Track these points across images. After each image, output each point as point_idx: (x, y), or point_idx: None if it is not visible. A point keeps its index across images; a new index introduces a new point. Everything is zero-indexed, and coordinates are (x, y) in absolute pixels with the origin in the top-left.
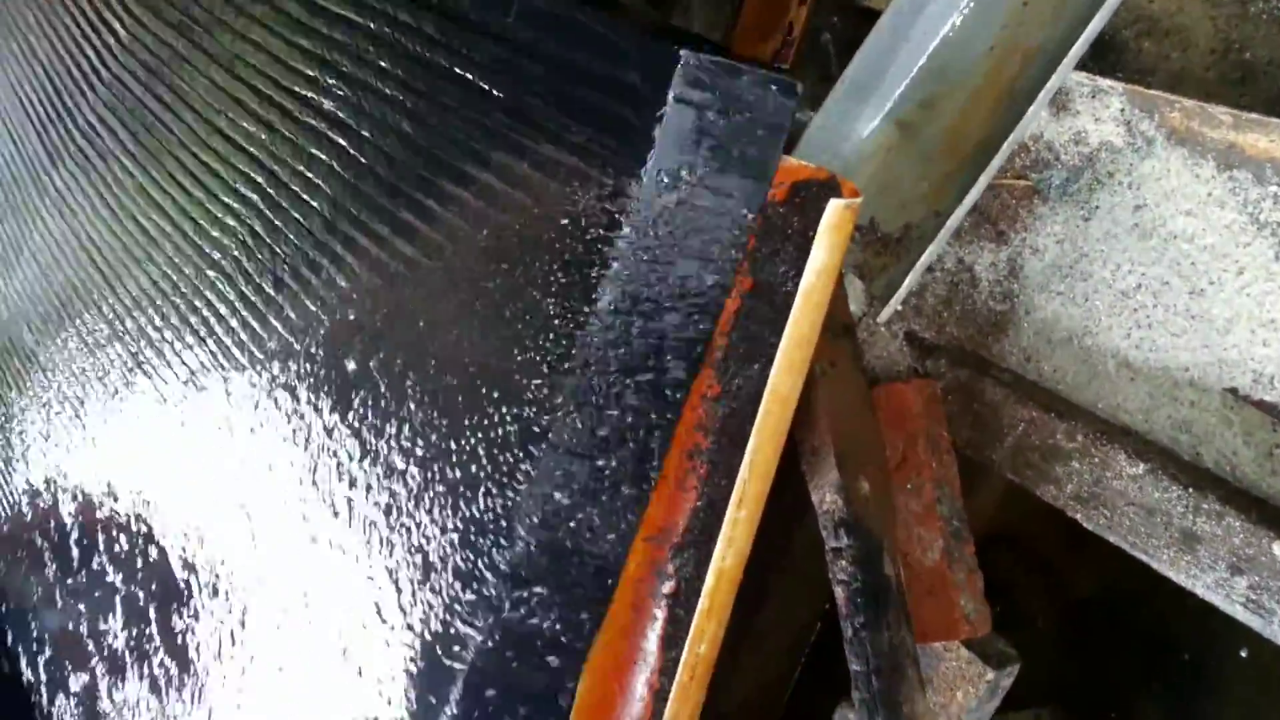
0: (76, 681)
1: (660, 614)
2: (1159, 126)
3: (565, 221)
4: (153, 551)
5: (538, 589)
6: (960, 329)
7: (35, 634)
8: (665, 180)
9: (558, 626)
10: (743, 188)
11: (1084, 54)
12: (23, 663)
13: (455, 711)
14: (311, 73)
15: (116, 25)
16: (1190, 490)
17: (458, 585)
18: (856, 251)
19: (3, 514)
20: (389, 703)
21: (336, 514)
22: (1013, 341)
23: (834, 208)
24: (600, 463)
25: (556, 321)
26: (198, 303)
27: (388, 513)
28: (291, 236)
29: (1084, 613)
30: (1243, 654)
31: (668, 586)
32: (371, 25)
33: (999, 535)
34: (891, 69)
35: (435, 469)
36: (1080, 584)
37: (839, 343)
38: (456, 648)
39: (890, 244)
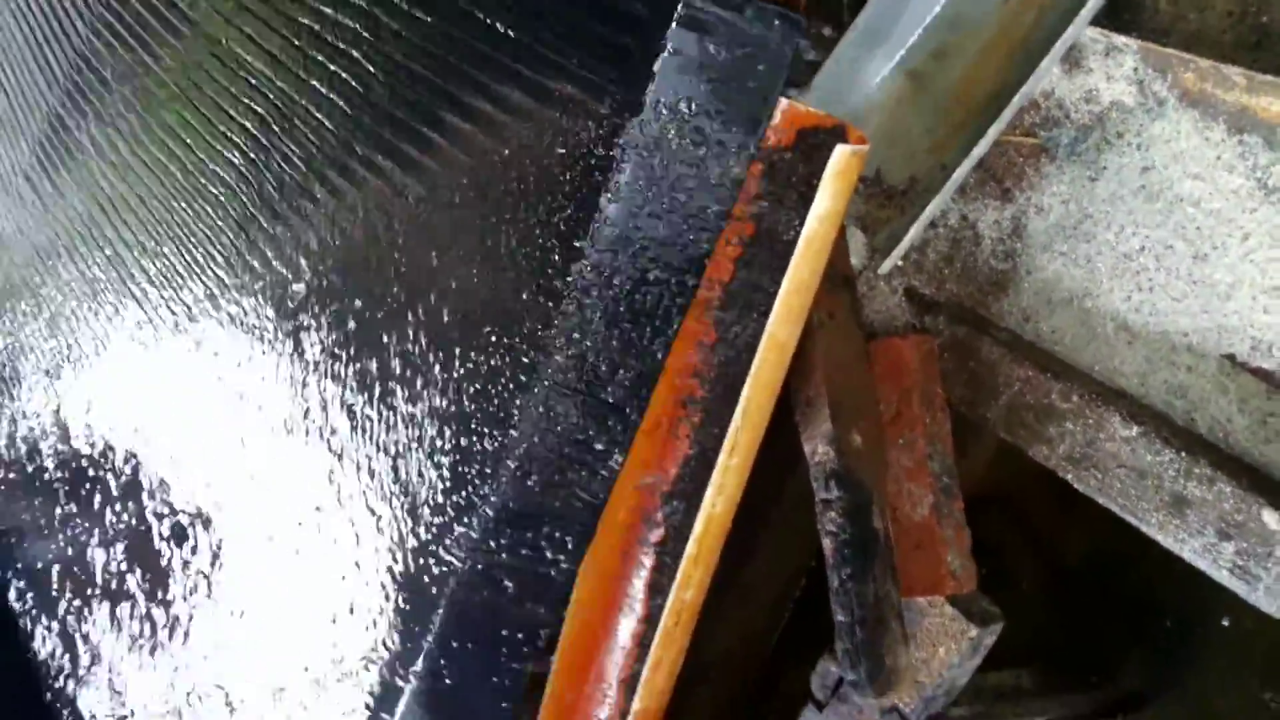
0: (65, 609)
1: (648, 561)
2: (1171, 87)
3: (563, 152)
4: (146, 479)
5: (522, 524)
6: (960, 286)
7: (23, 561)
8: (665, 112)
9: (541, 562)
10: (743, 122)
11: (1099, 9)
12: (11, 591)
13: (437, 641)
14: (314, 2)
15: None
16: (1183, 455)
17: (444, 517)
18: (860, 203)
19: (2, 443)
20: (374, 627)
21: (328, 443)
22: (1012, 301)
23: (840, 153)
24: (589, 398)
25: (551, 255)
26: (194, 233)
27: (378, 443)
28: (289, 167)
29: (1070, 575)
30: (1224, 622)
31: (656, 534)
32: None
33: (989, 496)
34: (905, 16)
35: (428, 400)
36: (1068, 547)
37: (838, 294)
38: (440, 578)
39: (895, 196)
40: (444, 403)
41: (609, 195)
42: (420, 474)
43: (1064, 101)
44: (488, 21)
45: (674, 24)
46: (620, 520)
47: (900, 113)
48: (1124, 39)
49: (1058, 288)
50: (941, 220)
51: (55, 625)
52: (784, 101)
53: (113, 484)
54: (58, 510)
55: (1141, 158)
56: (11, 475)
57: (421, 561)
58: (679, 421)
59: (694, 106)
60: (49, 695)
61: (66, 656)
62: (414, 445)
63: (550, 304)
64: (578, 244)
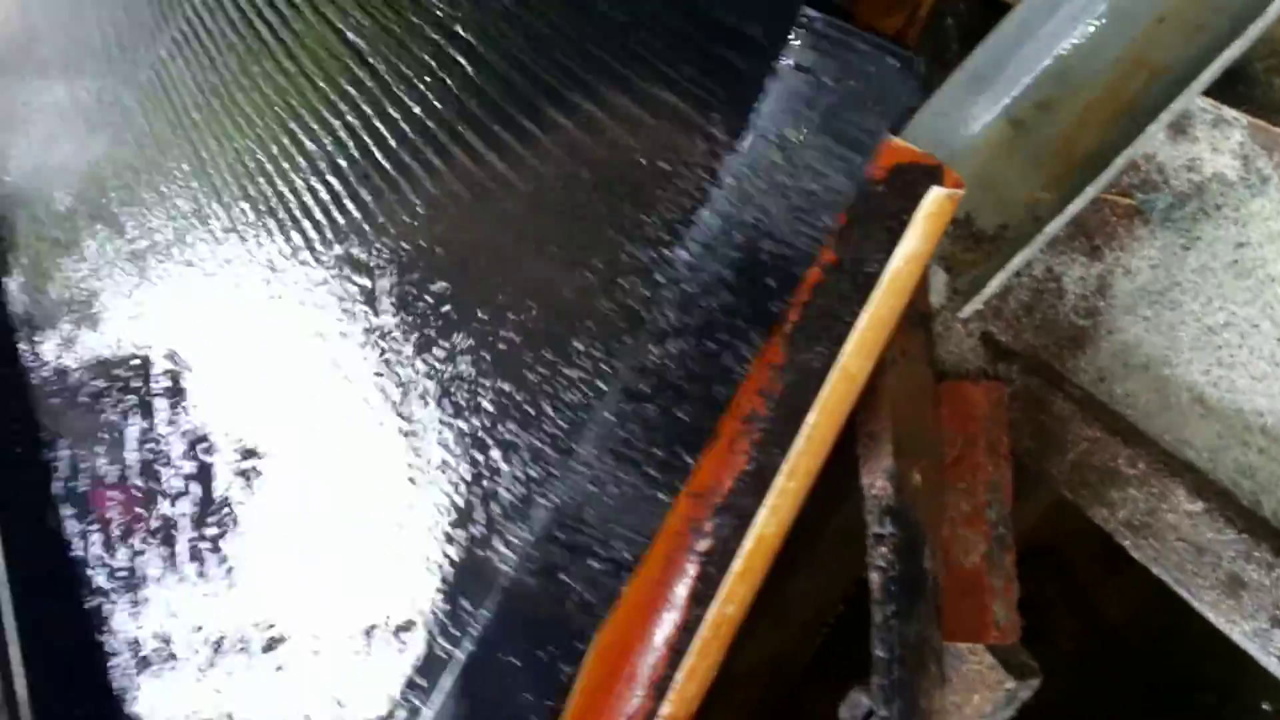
0: (115, 534)
1: (692, 569)
2: (1277, 167)
3: (662, 164)
4: (215, 423)
5: (580, 523)
6: (1038, 338)
7: (81, 489)
8: (770, 137)
9: (594, 562)
10: (845, 157)
11: (1213, 80)
12: (64, 514)
13: (485, 627)
14: None
15: None
16: (1244, 535)
17: (504, 506)
18: (946, 244)
19: (81, 364)
20: (428, 601)
21: (397, 414)
22: (1089, 359)
23: (935, 195)
24: (657, 410)
25: (640, 263)
26: (284, 189)
27: (448, 425)
28: (387, 137)
29: (1111, 637)
30: (1265, 706)
31: (704, 544)
32: None
33: (1037, 548)
34: (1013, 64)
35: (500, 391)
36: (1111, 608)
37: (914, 332)
38: (494, 565)
39: (983, 241)
40: (516, 397)
41: (704, 211)
42: (486, 464)
43: (1165, 167)
44: (602, 25)
45: (787, 51)
46: (670, 526)
47: (998, 159)
48: (1234, 112)
49: (1136, 352)
50: (1026, 269)
51: (102, 548)
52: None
53: (182, 419)
54: (122, 433)
55: (1237, 233)
56: (79, 397)
57: (479, 549)
58: (739, 436)
59: (799, 134)
60: (91, 613)
61: (109, 576)
62: (483, 434)
63: (633, 312)
64: (667, 255)
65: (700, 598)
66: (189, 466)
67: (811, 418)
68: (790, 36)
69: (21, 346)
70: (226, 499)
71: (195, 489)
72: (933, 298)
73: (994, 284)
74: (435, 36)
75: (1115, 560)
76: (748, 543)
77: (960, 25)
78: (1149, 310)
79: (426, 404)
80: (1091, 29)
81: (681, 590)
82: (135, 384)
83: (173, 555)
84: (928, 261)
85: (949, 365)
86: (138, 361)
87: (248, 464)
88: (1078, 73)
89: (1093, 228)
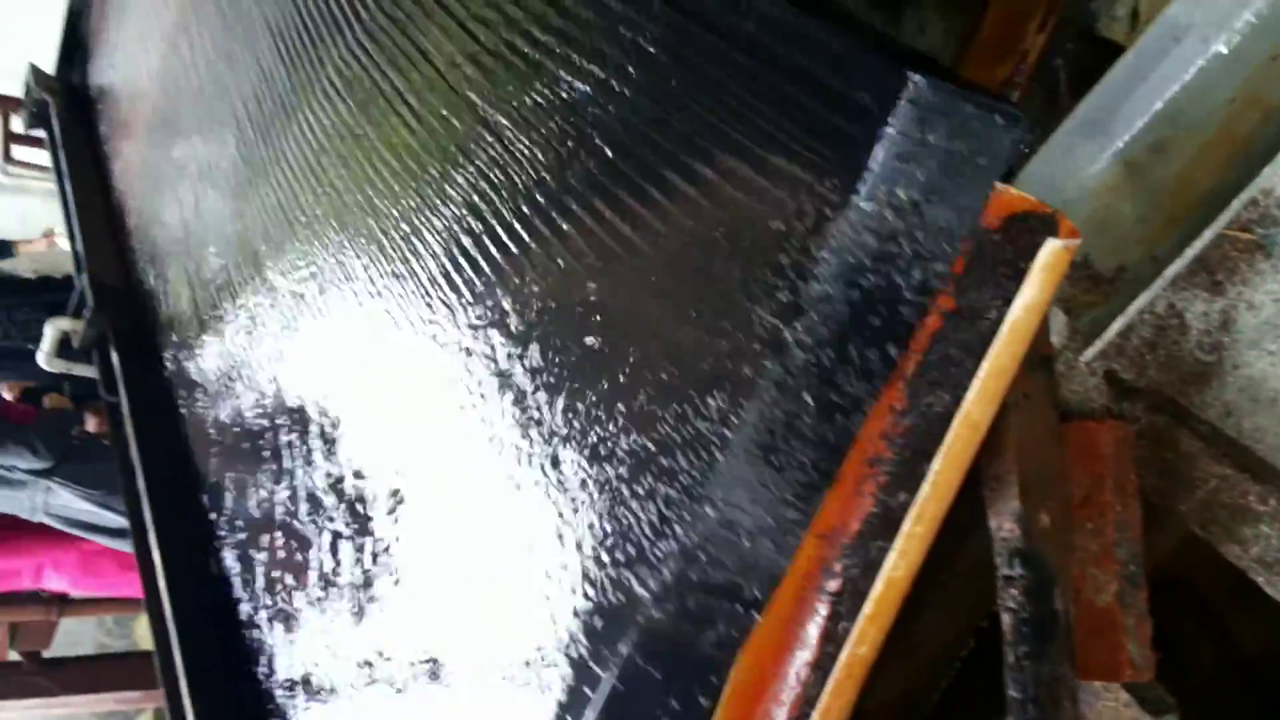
0: (275, 577)
1: (823, 609)
2: None
3: (777, 224)
4: (362, 467)
5: (714, 564)
6: (1162, 374)
7: (239, 533)
8: (879, 196)
9: (727, 602)
10: (955, 213)
11: None
12: (224, 558)
13: (624, 666)
14: (557, 48)
15: None
16: None
17: (641, 550)
18: (1065, 286)
19: (235, 413)
20: (566, 640)
21: (538, 463)
22: (1215, 394)
23: (1051, 248)
24: (784, 456)
25: (758, 320)
26: (424, 247)
27: (576, 471)
28: (512, 198)
29: (1248, 670)
30: None
31: (833, 584)
32: (615, 7)
33: (1171, 579)
34: (1125, 109)
35: (635, 439)
36: (1248, 641)
37: (1036, 374)
38: (632, 606)
39: (1101, 282)
40: (651, 447)
41: (820, 267)
42: (622, 510)
43: None
44: (716, 94)
45: (895, 114)
46: (799, 567)
47: (1113, 201)
48: None
49: (1263, 387)
50: (1148, 306)
51: (261, 589)
52: (997, 185)
53: (332, 464)
54: (276, 477)
55: None
56: (235, 444)
57: (617, 591)
58: (864, 479)
59: (909, 193)
60: (252, 650)
61: (268, 615)
62: (619, 482)
63: (758, 365)
64: (787, 310)
65: (832, 637)
66: (340, 509)
67: (936, 465)
68: (897, 100)
69: (179, 397)
70: (376, 539)
71: (346, 531)
72: (1053, 338)
73: (1116, 327)
74: (561, 108)
75: (1251, 592)
76: (878, 586)
77: (1069, 65)
78: (1274, 345)
79: (565, 453)
80: (1203, 70)
81: (814, 629)
82: (288, 431)
83: (327, 593)
84: (1046, 309)
85: (1073, 405)
86: (289, 409)
87: (395, 507)
88: (1190, 114)
89: (1213, 263)
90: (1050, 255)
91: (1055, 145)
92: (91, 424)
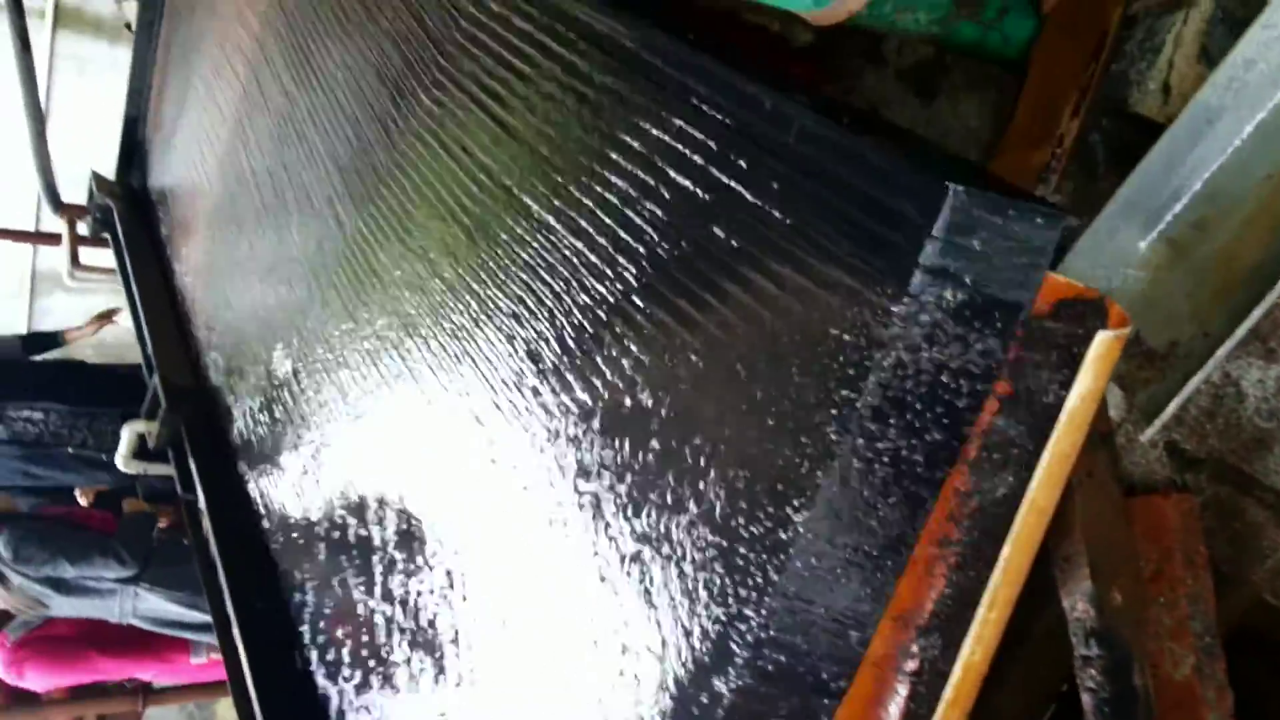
0: (358, 673)
1: (903, 690)
2: None
3: (832, 330)
4: (439, 552)
5: (791, 651)
6: (1223, 443)
7: (320, 623)
8: (928, 299)
9: (807, 687)
10: (1003, 311)
11: None
12: (307, 649)
13: None
14: (605, 170)
15: (438, 70)
16: None
17: (718, 638)
18: (1120, 363)
19: (310, 506)
20: None
21: (614, 555)
22: (1277, 460)
23: (1103, 339)
24: (854, 544)
25: (818, 420)
26: (482, 345)
27: (656, 562)
28: (572, 311)
29: None
30: None
31: (911, 665)
32: (662, 134)
33: (1249, 637)
34: (1165, 190)
35: (707, 536)
36: None
37: (1096, 452)
38: (712, 691)
39: (1155, 359)
40: (724, 542)
41: (877, 369)
42: (700, 599)
43: None
44: (766, 207)
45: (939, 221)
46: (875, 650)
47: (1160, 279)
48: None
49: None
50: (1205, 377)
51: (343, 675)
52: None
53: (393, 547)
54: (333, 561)
55: None
56: (312, 538)
57: (697, 678)
58: (935, 561)
59: (956, 295)
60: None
61: (354, 706)
62: (693, 571)
63: (822, 459)
64: (845, 409)
65: (913, 716)
66: (418, 594)
67: (1005, 551)
68: (939, 210)
69: (254, 491)
70: (452, 623)
71: (425, 613)
72: (1111, 412)
73: (1174, 405)
74: (617, 220)
75: None
76: (956, 671)
77: (1106, 140)
78: None
79: (642, 551)
80: (1238, 150)
81: (895, 710)
82: (365, 523)
83: (412, 685)
84: (1103, 395)
85: (1136, 478)
86: (365, 501)
87: (473, 589)
88: (1229, 192)
89: (1265, 331)
90: (1103, 345)
91: (1099, 228)
92: (166, 521)
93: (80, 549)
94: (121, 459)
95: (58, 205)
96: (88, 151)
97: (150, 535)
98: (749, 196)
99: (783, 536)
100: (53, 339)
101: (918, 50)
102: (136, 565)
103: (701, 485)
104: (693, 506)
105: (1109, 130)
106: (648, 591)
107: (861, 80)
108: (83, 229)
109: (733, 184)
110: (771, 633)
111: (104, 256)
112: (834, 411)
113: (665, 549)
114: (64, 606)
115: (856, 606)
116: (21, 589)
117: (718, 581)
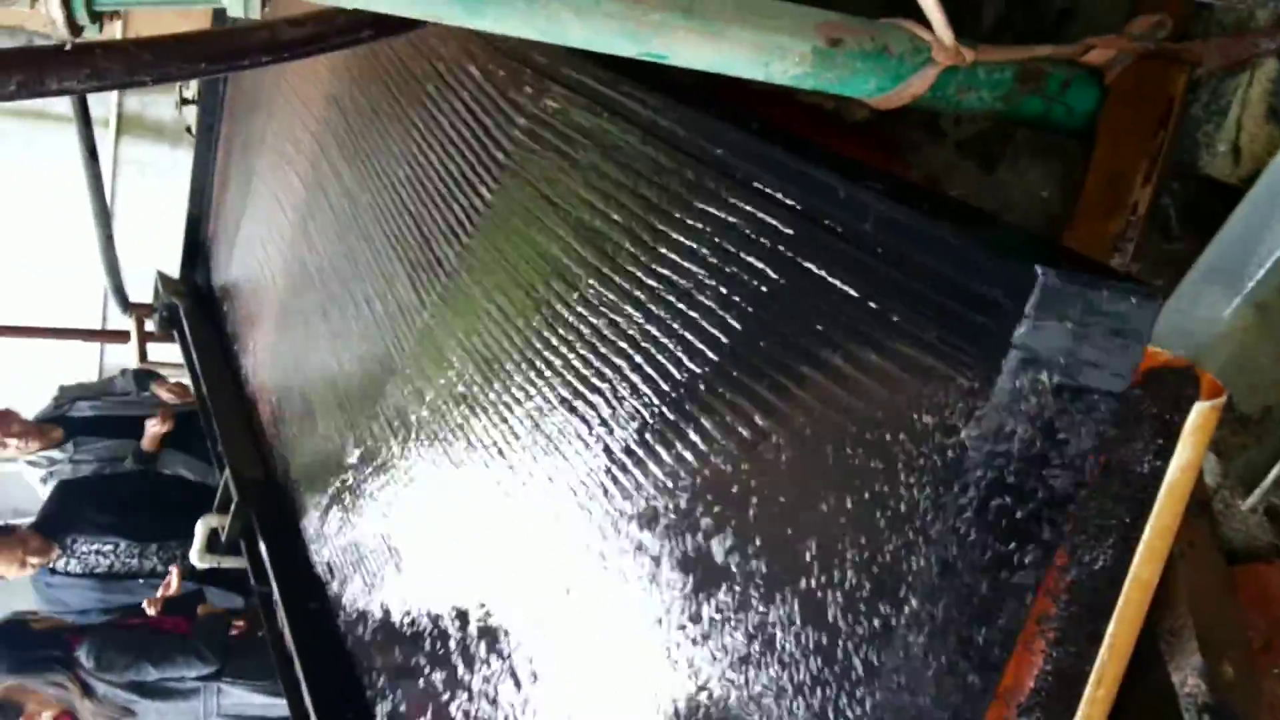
0: None
1: None
2: None
3: (923, 417)
4: (516, 638)
5: None
6: None
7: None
8: (1022, 385)
9: None
10: (1101, 392)
11: None
12: None
13: None
14: (677, 256)
15: (490, 180)
16: None
17: None
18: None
19: (376, 594)
20: None
21: (691, 652)
22: None
23: (1200, 410)
24: (955, 633)
25: (909, 507)
26: (543, 432)
27: (738, 666)
28: (652, 400)
29: None
30: None
31: None
32: (734, 220)
33: None
34: (1248, 256)
35: (798, 630)
36: None
37: (1196, 521)
38: None
39: (1249, 424)
40: (815, 636)
41: (968, 453)
42: (794, 698)
43: None
44: (850, 293)
45: (1029, 304)
46: None
47: (1249, 344)
48: None
49: None
50: None
51: None
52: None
53: (470, 640)
54: (410, 654)
55: None
56: (390, 636)
57: None
58: (1034, 638)
59: (1051, 378)
60: None
61: None
62: (781, 671)
63: (906, 554)
64: (940, 495)
65: None
66: (496, 683)
67: (1112, 627)
68: (1029, 294)
69: (327, 581)
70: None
71: (504, 700)
72: (1207, 479)
73: (1276, 471)
74: (682, 306)
75: None
76: None
77: (1177, 202)
78: None
79: (718, 644)
80: None
81: None
82: (440, 629)
83: None
84: (1200, 467)
85: (1237, 545)
86: (439, 593)
87: (555, 687)
88: None
89: None
90: (1200, 416)
91: (1183, 294)
92: (241, 626)
93: (161, 651)
94: (196, 554)
95: (126, 305)
96: (151, 252)
97: (226, 633)
98: (828, 282)
99: (881, 628)
100: (149, 379)
101: (977, 122)
102: (217, 661)
103: (797, 577)
104: (788, 600)
105: (1179, 192)
106: (748, 685)
107: (919, 154)
108: (150, 326)
109: (811, 269)
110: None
111: (171, 351)
112: (929, 498)
113: (764, 643)
114: (150, 712)
115: (967, 690)
116: (108, 698)
117: (825, 678)
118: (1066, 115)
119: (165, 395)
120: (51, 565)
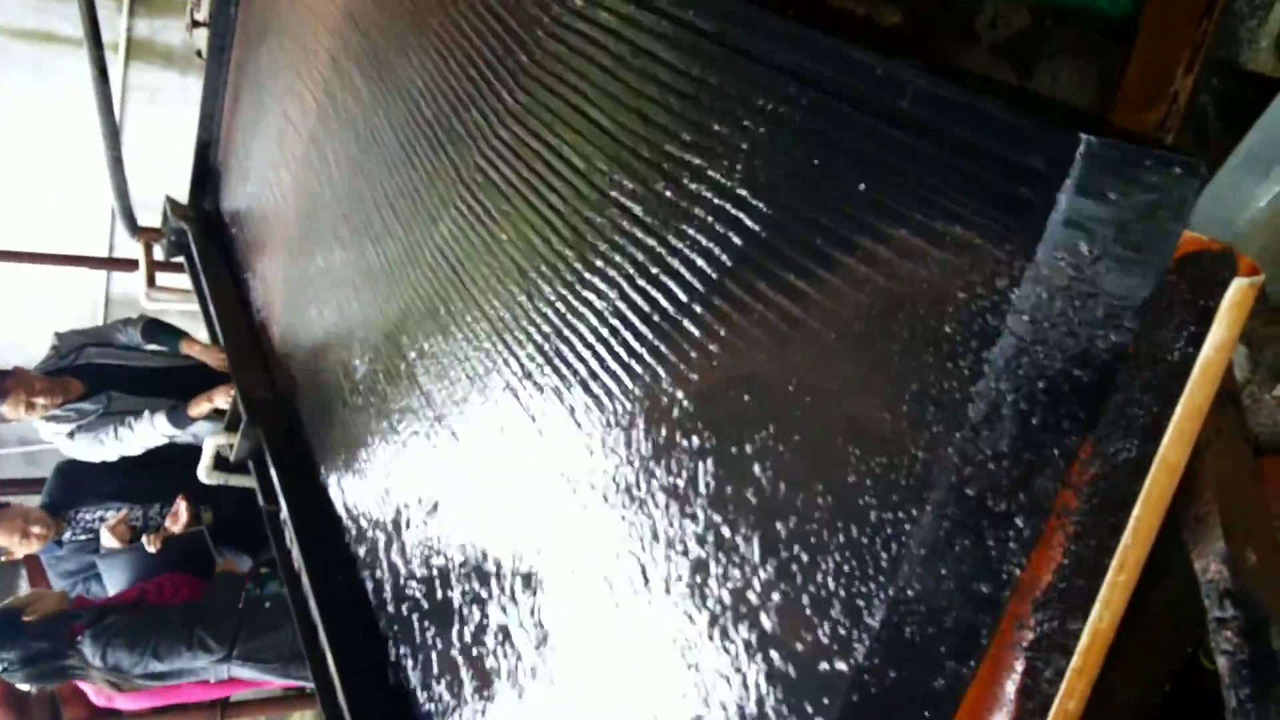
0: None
1: (1019, 665)
2: None
3: (959, 293)
4: (542, 587)
5: (912, 639)
6: None
7: (419, 652)
8: (1062, 257)
9: (927, 675)
10: (1141, 266)
11: None
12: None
13: None
14: (706, 142)
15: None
16: None
17: (832, 628)
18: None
19: (386, 519)
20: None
21: (705, 555)
22: None
23: (1238, 285)
24: (980, 523)
25: (942, 391)
26: (570, 336)
27: (760, 557)
28: (673, 287)
29: None
30: None
31: (1026, 638)
32: (767, 104)
33: None
34: None
35: (831, 521)
36: None
37: (1224, 410)
38: (833, 682)
39: None
40: (848, 529)
41: (1005, 333)
42: (822, 585)
43: None
44: (884, 170)
45: (1072, 177)
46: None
47: None
48: None
49: None
50: None
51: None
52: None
53: (501, 599)
54: (430, 597)
55: None
56: (417, 587)
57: (814, 662)
58: (1053, 532)
59: (1092, 250)
60: None
61: None
62: (808, 564)
63: (939, 436)
64: (973, 376)
65: (1029, 692)
66: (523, 638)
67: (1137, 510)
68: (1071, 161)
69: (335, 501)
70: (546, 643)
71: (524, 647)
72: (1236, 373)
73: None
74: (709, 194)
75: None
76: (1084, 639)
77: (1216, 100)
78: None
79: (765, 526)
80: None
81: (1010, 686)
82: (445, 547)
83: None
84: (1234, 347)
85: (1264, 438)
86: (447, 528)
87: (583, 630)
88: None
89: None
90: (1237, 293)
91: (1221, 182)
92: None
93: (167, 643)
94: (203, 471)
95: (134, 229)
96: (160, 178)
97: (237, 603)
98: (863, 162)
99: (905, 516)
100: (172, 338)
101: (1012, 22)
102: (224, 647)
103: (820, 468)
104: (824, 483)
105: (1219, 89)
106: (779, 563)
107: (954, 60)
108: (158, 252)
109: (846, 150)
110: (897, 618)
111: (179, 279)
112: (961, 376)
113: (795, 524)
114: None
115: (981, 591)
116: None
117: (843, 567)
118: (1111, 4)
119: (213, 360)
120: (58, 539)
